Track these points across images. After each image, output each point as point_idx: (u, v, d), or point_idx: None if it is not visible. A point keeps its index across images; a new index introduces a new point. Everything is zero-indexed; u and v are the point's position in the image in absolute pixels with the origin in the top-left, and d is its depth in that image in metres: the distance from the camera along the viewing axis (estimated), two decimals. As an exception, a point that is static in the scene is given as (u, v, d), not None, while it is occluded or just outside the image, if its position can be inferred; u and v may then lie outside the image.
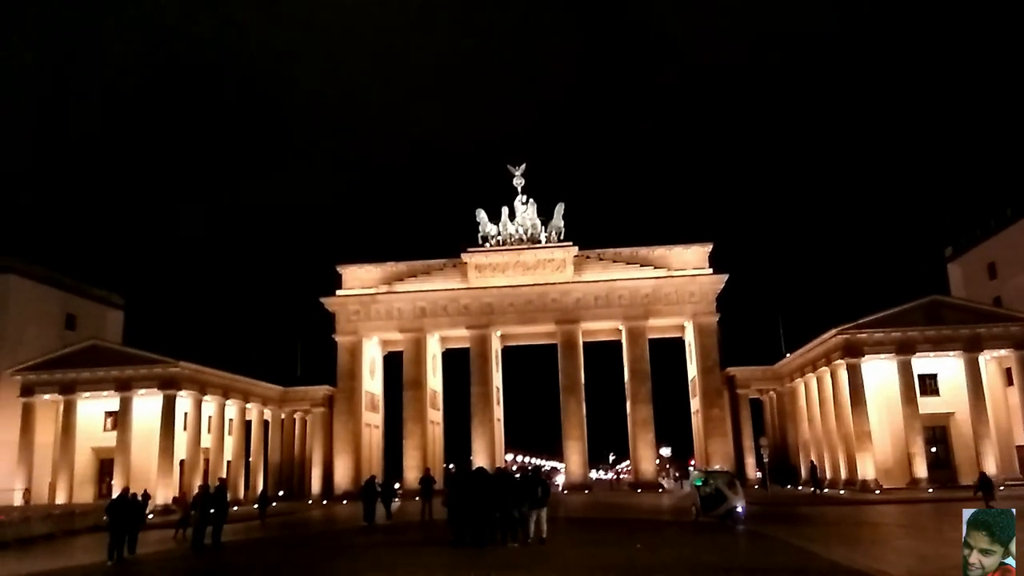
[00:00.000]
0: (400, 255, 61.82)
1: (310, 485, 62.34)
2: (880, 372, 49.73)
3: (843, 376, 49.96)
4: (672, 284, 57.94)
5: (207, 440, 56.03)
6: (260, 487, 55.75)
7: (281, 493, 60.40)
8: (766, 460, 51.81)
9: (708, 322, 58.26)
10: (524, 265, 59.19)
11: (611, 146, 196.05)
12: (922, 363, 49.44)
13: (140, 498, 26.66)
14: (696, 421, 62.96)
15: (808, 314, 74.44)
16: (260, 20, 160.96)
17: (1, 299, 55.45)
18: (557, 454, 78.29)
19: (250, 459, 61.59)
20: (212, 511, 25.51)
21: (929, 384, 50.47)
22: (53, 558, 25.99)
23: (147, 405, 52.02)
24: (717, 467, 45.64)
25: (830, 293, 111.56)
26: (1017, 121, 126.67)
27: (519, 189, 60.76)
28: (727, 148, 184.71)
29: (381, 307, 60.08)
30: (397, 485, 49.62)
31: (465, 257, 59.60)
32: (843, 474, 51.08)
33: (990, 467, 44.50)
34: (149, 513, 35.48)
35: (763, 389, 66.86)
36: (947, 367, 50.04)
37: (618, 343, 62.54)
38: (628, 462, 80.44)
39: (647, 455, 57.35)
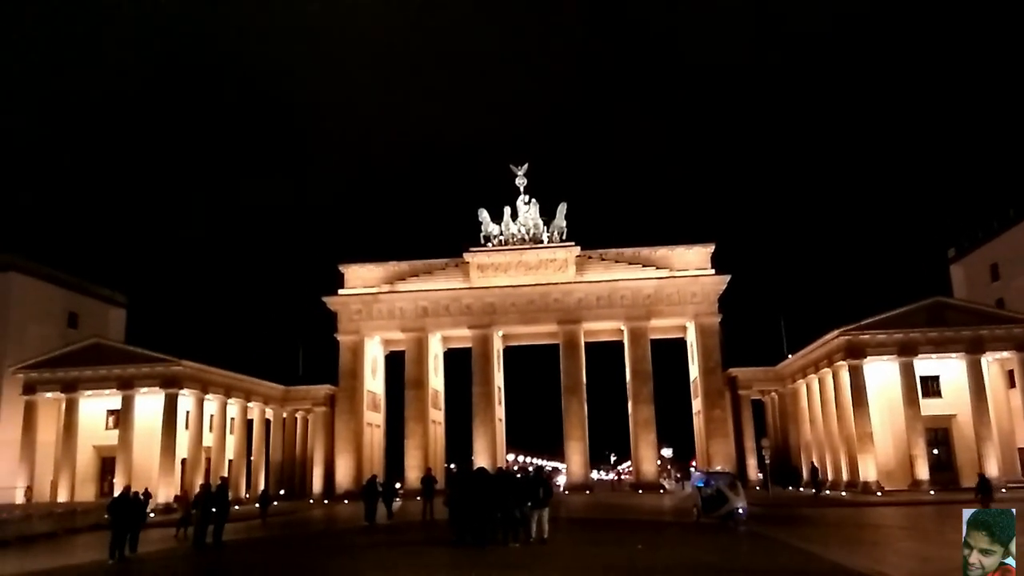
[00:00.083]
0: (402, 254, 61.96)
1: (311, 484, 62.38)
2: (882, 373, 49.69)
3: (845, 377, 49.91)
4: (674, 285, 57.92)
5: (209, 439, 56.15)
6: (261, 486, 55.88)
7: (282, 492, 60.43)
8: (767, 461, 51.72)
9: (710, 323, 58.23)
10: (526, 265, 59.21)
11: (613, 146, 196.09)
12: (924, 365, 49.36)
13: (142, 497, 26.68)
14: (698, 422, 62.92)
15: (810, 315, 74.56)
16: (260, 20, 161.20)
17: (3, 297, 55.58)
18: (558, 454, 78.30)
19: (252, 458, 61.66)
20: (214, 510, 25.56)
21: (931, 386, 50.39)
22: (54, 556, 26.04)
23: (149, 404, 52.11)
24: (718, 468, 45.58)
25: (832, 294, 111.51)
26: (1019, 122, 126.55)
27: (521, 189, 60.82)
28: (729, 148, 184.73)
29: (383, 306, 60.12)
30: (398, 485, 49.69)
31: (467, 257, 59.63)
32: (845, 476, 51.02)
33: (992, 469, 44.43)
34: (150, 512, 35.58)
35: (765, 390, 66.80)
36: (949, 369, 49.96)
37: (620, 343, 62.52)
38: (629, 463, 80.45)
39: (648, 456, 57.33)
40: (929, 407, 49.05)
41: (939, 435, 50.46)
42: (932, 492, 44.17)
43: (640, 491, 55.60)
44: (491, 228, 59.95)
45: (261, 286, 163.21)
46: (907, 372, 48.38)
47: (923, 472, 46.69)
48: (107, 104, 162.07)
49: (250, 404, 60.20)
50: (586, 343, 60.90)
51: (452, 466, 66.72)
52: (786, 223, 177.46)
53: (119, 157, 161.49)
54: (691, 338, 61.66)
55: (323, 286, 62.86)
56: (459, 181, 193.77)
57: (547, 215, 59.90)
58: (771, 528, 27.11)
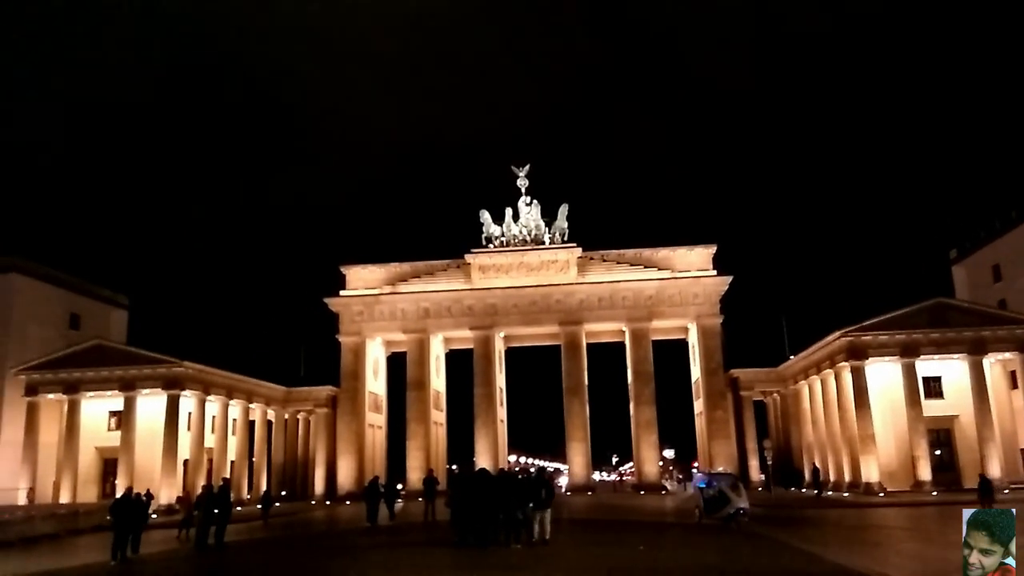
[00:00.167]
0: (404, 256, 62.05)
1: (313, 485, 62.43)
2: (884, 374, 49.66)
3: (847, 378, 49.88)
4: (676, 286, 57.91)
5: (211, 440, 56.22)
6: (263, 487, 55.91)
7: (284, 493, 60.49)
8: (769, 462, 51.75)
9: (712, 324, 58.21)
10: (528, 266, 59.22)
11: (614, 147, 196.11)
12: (926, 366, 49.33)
13: (144, 498, 26.69)
14: (699, 423, 62.90)
15: (812, 316, 74.49)
16: (260, 20, 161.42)
17: (5, 298, 55.68)
18: (560, 455, 78.32)
19: (253, 459, 61.73)
20: (216, 511, 25.52)
21: (933, 387, 50.34)
22: (57, 557, 26.08)
23: (151, 405, 52.16)
24: (720, 469, 45.58)
25: (834, 295, 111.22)
26: (1021, 123, 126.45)
27: (523, 190, 60.87)
28: (730, 149, 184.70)
29: (385, 308, 60.16)
30: (400, 486, 49.68)
31: (469, 258, 59.65)
32: (847, 477, 50.96)
33: (994, 470, 44.42)
34: (153, 513, 35.59)
35: (767, 391, 66.78)
36: (951, 370, 49.92)
37: (622, 344, 62.51)
38: (631, 464, 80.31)
39: (650, 457, 57.31)
40: (931, 408, 49.03)
41: (941, 436, 50.42)
42: (934, 493, 44.15)
43: (642, 492, 55.58)
44: (492, 229, 59.99)
45: (263, 287, 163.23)
46: (909, 373, 48.33)
47: (925, 473, 46.65)
48: (107, 104, 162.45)
49: (252, 405, 60.24)
50: (588, 344, 60.91)
51: (454, 467, 66.72)
52: (788, 224, 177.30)
53: (120, 158, 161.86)
54: (693, 339, 61.65)
55: (324, 287, 63.10)
56: (460, 182, 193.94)
57: (548, 216, 59.97)
58: (773, 529, 27.11)
